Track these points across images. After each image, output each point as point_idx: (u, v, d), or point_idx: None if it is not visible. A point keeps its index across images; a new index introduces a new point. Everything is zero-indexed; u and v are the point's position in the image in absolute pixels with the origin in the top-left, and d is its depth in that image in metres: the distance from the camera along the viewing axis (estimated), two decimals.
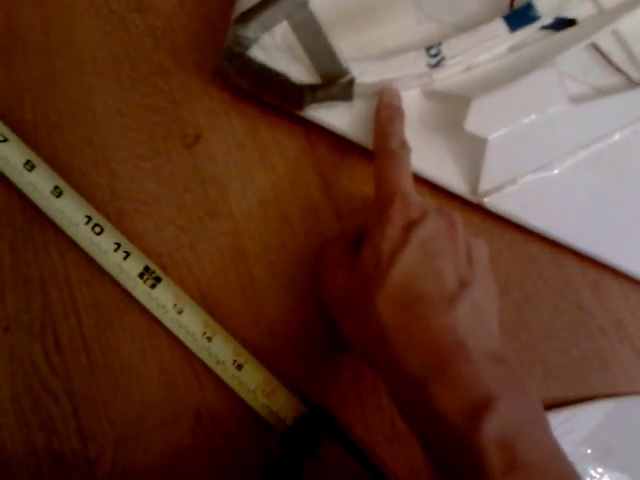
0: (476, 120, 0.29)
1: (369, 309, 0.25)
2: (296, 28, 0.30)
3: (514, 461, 0.20)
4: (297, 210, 0.33)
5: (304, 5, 0.30)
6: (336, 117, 0.32)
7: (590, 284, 0.31)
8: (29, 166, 0.32)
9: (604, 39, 0.32)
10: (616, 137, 0.31)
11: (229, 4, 0.34)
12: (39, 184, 0.32)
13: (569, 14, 0.32)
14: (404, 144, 0.29)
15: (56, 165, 0.33)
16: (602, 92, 0.32)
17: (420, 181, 0.32)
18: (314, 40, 0.30)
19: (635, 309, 0.31)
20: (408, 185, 0.28)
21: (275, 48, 0.30)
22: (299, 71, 0.30)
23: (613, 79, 0.32)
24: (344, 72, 0.30)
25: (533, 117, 0.30)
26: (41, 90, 0.34)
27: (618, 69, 0.32)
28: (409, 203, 0.27)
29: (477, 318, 0.24)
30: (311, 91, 0.30)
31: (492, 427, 0.21)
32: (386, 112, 0.30)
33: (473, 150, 0.30)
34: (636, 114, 0.31)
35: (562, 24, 0.32)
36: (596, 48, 0.32)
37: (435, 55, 0.31)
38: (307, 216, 0.33)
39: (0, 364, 0.31)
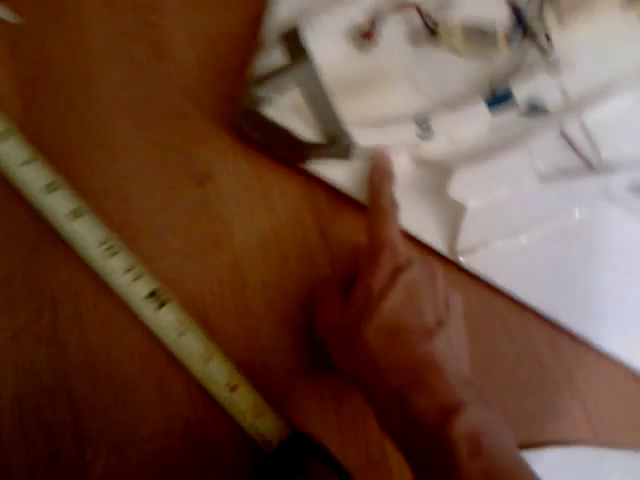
0: (458, 188, 0.34)
1: (360, 338, 0.29)
2: (305, 93, 0.34)
3: (479, 450, 0.24)
4: (294, 251, 0.36)
5: (314, 76, 0.34)
6: (334, 172, 0.36)
7: (548, 341, 0.36)
8: (51, 188, 0.35)
9: (571, 127, 0.37)
10: (576, 215, 0.36)
11: (240, 61, 0.38)
12: (58, 206, 0.35)
13: (541, 101, 0.37)
14: (394, 202, 0.34)
15: (72, 190, 0.35)
16: (565, 173, 0.37)
17: (406, 236, 0.36)
18: (320, 105, 0.34)
19: (586, 367, 0.36)
20: (396, 237, 0.32)
21: (285, 108, 0.34)
22: (305, 130, 0.34)
23: (575, 162, 0.37)
24: (345, 135, 0.34)
25: (506, 191, 0.34)
26: (62, 119, 0.37)
27: (580, 154, 0.37)
28: (397, 252, 0.31)
29: (451, 350, 0.29)
30: (314, 148, 0.34)
31: (461, 424, 0.25)
32: (379, 174, 0.35)
33: (453, 214, 0.35)
34: (594, 195, 0.36)
35: (535, 110, 0.37)
36: (563, 134, 0.37)
37: (425, 128, 0.35)
38: (303, 257, 0.36)
39: (4, 368, 0.33)
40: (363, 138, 0.34)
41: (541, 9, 0.38)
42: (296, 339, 0.35)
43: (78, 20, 0.39)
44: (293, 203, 0.37)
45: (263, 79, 0.33)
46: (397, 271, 0.30)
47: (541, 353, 0.36)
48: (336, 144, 0.34)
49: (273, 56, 0.34)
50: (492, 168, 0.34)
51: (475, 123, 0.36)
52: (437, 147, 0.36)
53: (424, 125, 0.35)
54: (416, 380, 0.27)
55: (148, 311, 0.34)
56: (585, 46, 0.39)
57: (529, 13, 0.38)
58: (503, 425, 0.27)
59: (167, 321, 0.34)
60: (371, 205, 0.34)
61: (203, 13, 0.39)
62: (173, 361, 0.34)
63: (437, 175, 0.35)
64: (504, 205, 0.35)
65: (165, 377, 0.34)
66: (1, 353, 0.33)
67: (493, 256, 0.35)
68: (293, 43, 0.34)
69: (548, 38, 0.38)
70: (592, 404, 0.35)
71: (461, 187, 0.34)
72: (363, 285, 0.30)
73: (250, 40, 0.38)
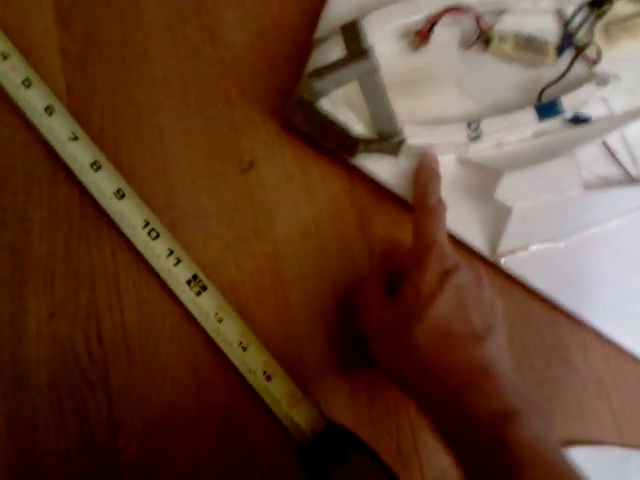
0: (506, 191, 0.34)
1: (409, 337, 0.29)
2: (364, 89, 0.34)
3: (537, 459, 0.24)
4: (334, 244, 0.36)
5: (372, 71, 0.34)
6: (381, 168, 0.36)
7: (579, 343, 0.36)
8: (96, 166, 0.35)
9: (613, 138, 0.38)
10: (614, 223, 0.36)
11: (290, 52, 0.38)
12: (103, 184, 0.35)
13: (586, 112, 0.38)
14: (441, 202, 0.34)
15: (118, 169, 0.35)
16: (606, 182, 0.37)
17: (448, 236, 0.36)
18: (377, 101, 0.34)
19: (614, 370, 0.36)
20: (443, 237, 0.32)
21: (340, 102, 0.34)
22: (358, 125, 0.34)
23: (616, 172, 0.38)
24: (397, 132, 0.34)
25: (552, 196, 0.35)
26: (111, 97, 0.37)
27: (620, 165, 0.37)
28: (444, 253, 0.31)
29: (500, 355, 0.29)
30: (365, 144, 0.34)
31: (519, 431, 0.25)
32: (426, 174, 0.35)
33: (498, 216, 0.35)
34: (632, 206, 0.36)
35: (579, 120, 0.38)
36: (605, 145, 0.37)
37: (475, 130, 0.35)
38: (343, 251, 0.36)
39: (42, 348, 0.33)
40: (413, 136, 0.34)
41: (590, 23, 0.39)
42: (332, 332, 0.35)
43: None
44: (335, 197, 0.37)
45: (322, 71, 0.33)
46: (446, 274, 0.30)
47: (571, 354, 0.36)
48: (387, 140, 0.34)
49: (332, 49, 0.34)
50: (539, 173, 0.35)
51: (523, 128, 0.36)
52: (483, 149, 0.36)
53: (474, 126, 0.35)
54: (470, 383, 0.27)
55: (188, 296, 0.34)
56: (631, 61, 0.39)
57: (578, 26, 0.39)
58: (553, 433, 0.27)
59: (206, 306, 0.34)
60: (417, 204, 0.34)
61: (256, 2, 0.39)
62: (210, 347, 0.34)
63: (482, 177, 0.36)
64: (547, 210, 0.35)
65: (201, 363, 0.34)
66: (39, 332, 0.33)
67: (531, 259, 0.35)
68: (352, 37, 0.34)
69: (596, 51, 0.38)
70: (619, 406, 0.36)
71: (509, 190, 0.34)
72: (412, 285, 0.30)
73: (301, 32, 0.38)
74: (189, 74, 0.38)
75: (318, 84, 0.33)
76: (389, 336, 0.30)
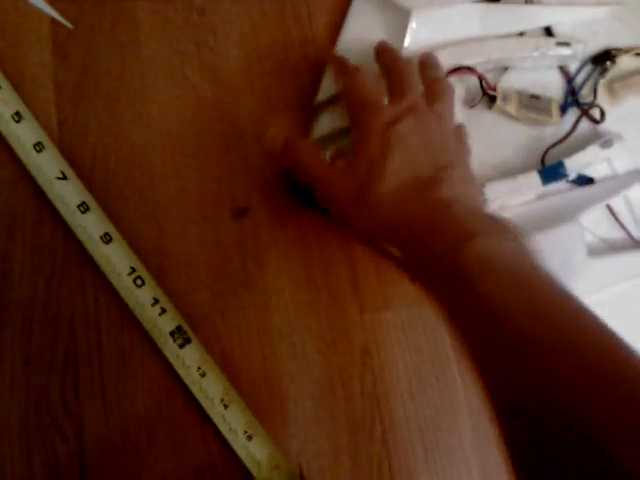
0: None
1: (372, 201, 0.31)
2: None
3: (488, 271, 0.26)
4: (325, 298, 0.35)
5: None
6: None
7: None
8: (83, 208, 0.34)
9: (616, 201, 0.37)
10: (619, 288, 0.35)
11: (295, 96, 0.38)
12: (90, 227, 0.33)
13: (589, 173, 0.37)
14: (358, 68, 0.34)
15: (106, 211, 0.34)
16: (610, 246, 0.36)
17: None
18: None
19: None
20: (374, 92, 0.33)
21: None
22: None
23: (620, 235, 0.37)
24: None
25: (556, 262, 0.34)
26: (105, 136, 0.36)
27: (624, 228, 0.37)
28: (379, 108, 0.32)
29: (461, 187, 0.30)
30: None
31: (470, 250, 0.26)
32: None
33: None
34: (637, 271, 0.36)
35: (583, 181, 0.37)
36: (608, 207, 0.37)
37: None
38: (333, 305, 0.35)
39: (14, 396, 0.32)
40: None
41: (594, 79, 0.38)
42: (318, 390, 0.34)
43: (132, 31, 0.38)
44: (329, 246, 0.36)
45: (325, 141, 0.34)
46: (388, 127, 0.31)
47: None
48: None
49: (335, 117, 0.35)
50: (544, 239, 0.34)
51: (527, 192, 0.35)
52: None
53: None
54: (428, 227, 0.29)
55: (171, 347, 0.33)
56: (634, 118, 0.39)
57: (582, 82, 0.38)
58: (524, 245, 0.28)
59: (189, 359, 0.33)
60: (338, 72, 0.35)
61: (260, 44, 0.38)
62: (191, 402, 0.32)
63: None
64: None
65: (180, 418, 0.32)
66: (11, 379, 0.32)
67: None
68: None
69: (600, 111, 0.38)
70: None
71: None
72: (361, 148, 0.31)
73: (303, 77, 0.38)
74: (186, 114, 0.37)
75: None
76: (356, 206, 0.31)
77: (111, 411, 0.32)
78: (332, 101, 0.36)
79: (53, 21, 0.37)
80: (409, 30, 0.35)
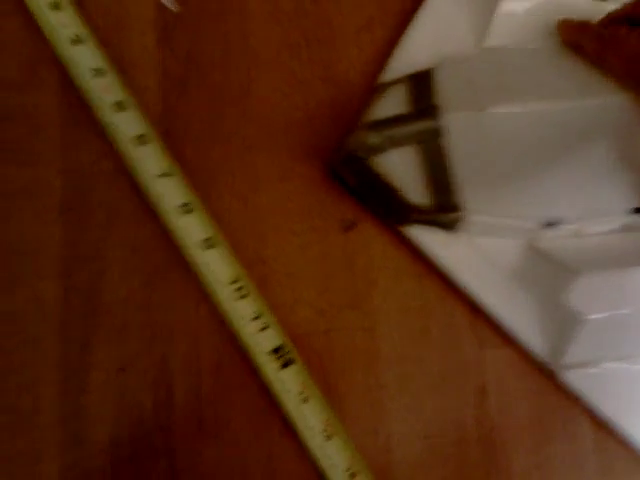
0: (579, 296, 0.29)
1: None
2: (424, 154, 0.30)
3: None
4: (439, 326, 0.32)
5: (436, 136, 0.30)
6: (434, 242, 0.31)
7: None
8: (186, 209, 0.31)
9: None
10: None
11: None
12: (192, 230, 0.31)
13: None
14: None
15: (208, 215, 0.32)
16: None
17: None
18: (437, 170, 0.30)
19: None
20: None
21: (397, 164, 0.30)
22: (413, 192, 0.30)
23: None
24: (458, 205, 0.30)
25: (633, 308, 0.29)
26: (206, 131, 0.33)
27: None
28: None
29: None
30: (419, 213, 0.30)
31: None
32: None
33: (565, 320, 0.29)
34: None
35: None
36: None
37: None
38: (448, 335, 0.32)
39: (107, 405, 0.30)
40: (477, 212, 0.30)
41: None
42: (427, 429, 0.31)
43: (241, 20, 0.35)
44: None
45: (381, 126, 0.29)
46: None
47: None
48: (445, 213, 0.30)
49: (395, 101, 0.30)
50: (623, 281, 0.29)
51: (610, 219, 0.31)
52: (559, 237, 0.31)
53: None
54: None
55: (271, 367, 0.30)
56: None
57: None
58: None
59: (290, 382, 0.30)
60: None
61: (375, 38, 0.35)
62: (288, 431, 0.30)
63: (553, 270, 0.30)
64: (627, 323, 0.29)
65: (276, 448, 0.30)
66: (104, 386, 0.30)
67: (597, 377, 0.30)
68: (421, 89, 0.30)
69: None
70: None
71: (583, 296, 0.29)
72: None
73: None
74: (294, 113, 0.34)
75: (374, 139, 0.29)
76: None
77: (205, 430, 0.30)
78: (395, 83, 0.32)
79: (158, 4, 0.35)
80: None
